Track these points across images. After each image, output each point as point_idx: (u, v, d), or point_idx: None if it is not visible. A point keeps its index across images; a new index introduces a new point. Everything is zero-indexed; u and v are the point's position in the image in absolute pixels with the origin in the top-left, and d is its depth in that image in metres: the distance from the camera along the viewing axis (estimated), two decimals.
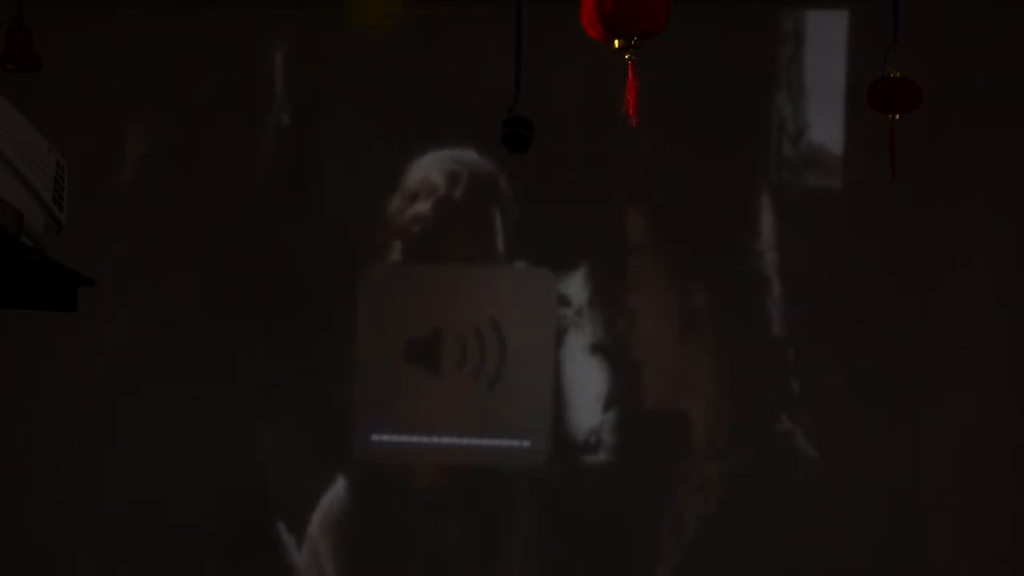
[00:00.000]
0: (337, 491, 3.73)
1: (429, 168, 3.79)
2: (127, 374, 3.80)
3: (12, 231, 2.23)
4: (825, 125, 3.79)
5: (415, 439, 3.73)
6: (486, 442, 3.71)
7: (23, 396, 3.78)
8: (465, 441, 3.73)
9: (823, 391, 3.72)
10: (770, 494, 3.70)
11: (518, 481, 3.71)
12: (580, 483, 3.73)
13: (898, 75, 2.66)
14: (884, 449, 3.68)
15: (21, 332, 3.63)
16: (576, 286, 3.76)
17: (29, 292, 2.53)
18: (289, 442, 3.76)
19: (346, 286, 3.80)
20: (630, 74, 2.02)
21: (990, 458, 3.67)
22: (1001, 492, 3.67)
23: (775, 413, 3.71)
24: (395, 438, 3.73)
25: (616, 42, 2.02)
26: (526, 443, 3.69)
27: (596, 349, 3.75)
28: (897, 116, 2.63)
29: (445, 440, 3.73)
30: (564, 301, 3.76)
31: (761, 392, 3.72)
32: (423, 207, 3.77)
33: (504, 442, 3.70)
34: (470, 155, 3.80)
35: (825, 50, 3.79)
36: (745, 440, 3.71)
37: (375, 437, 3.74)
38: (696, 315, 3.73)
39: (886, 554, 3.67)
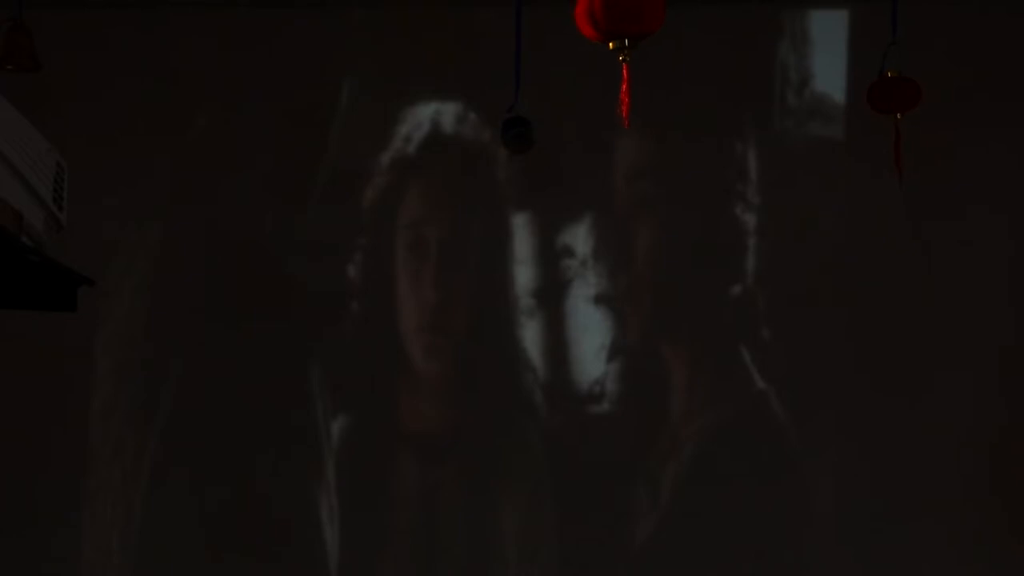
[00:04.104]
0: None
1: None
2: (127, 374, 3.80)
3: (12, 231, 2.23)
4: (826, 124, 3.79)
5: None
6: None
7: (23, 396, 3.78)
8: None
9: (808, 353, 3.74)
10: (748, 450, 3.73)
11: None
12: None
13: (897, 75, 2.66)
14: (872, 431, 3.70)
15: (21, 332, 3.63)
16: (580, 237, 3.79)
17: (29, 292, 2.53)
18: (289, 439, 3.77)
19: (345, 288, 3.81)
20: (624, 75, 2.02)
21: (968, 442, 3.68)
22: (976, 473, 3.68)
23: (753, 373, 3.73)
24: None
25: (610, 44, 2.02)
26: None
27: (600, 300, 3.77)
28: (900, 116, 2.63)
29: None
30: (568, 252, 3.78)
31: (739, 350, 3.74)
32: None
33: None
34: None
35: (825, 50, 3.79)
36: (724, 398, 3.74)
37: None
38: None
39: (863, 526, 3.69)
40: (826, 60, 3.79)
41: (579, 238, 3.80)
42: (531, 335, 3.79)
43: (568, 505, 3.74)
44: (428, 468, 3.78)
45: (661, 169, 3.80)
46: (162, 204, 3.83)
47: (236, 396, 3.77)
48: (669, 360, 3.77)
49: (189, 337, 3.80)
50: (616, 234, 3.80)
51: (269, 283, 3.81)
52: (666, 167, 3.80)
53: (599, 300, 3.79)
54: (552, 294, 3.80)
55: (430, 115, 3.83)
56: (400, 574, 3.78)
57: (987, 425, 3.69)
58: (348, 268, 3.82)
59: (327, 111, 3.84)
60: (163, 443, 3.78)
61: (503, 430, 3.77)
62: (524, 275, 3.80)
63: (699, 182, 3.78)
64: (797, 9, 3.83)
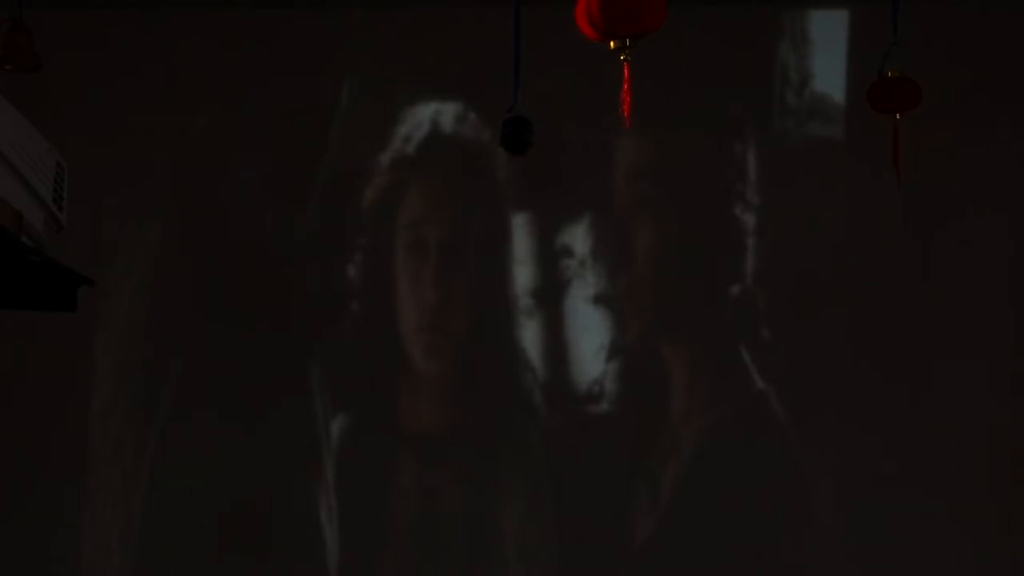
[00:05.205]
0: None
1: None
2: (127, 374, 3.80)
3: (12, 231, 2.23)
4: (826, 124, 3.79)
5: None
6: None
7: (23, 396, 3.78)
8: None
9: (808, 353, 3.74)
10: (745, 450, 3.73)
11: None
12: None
13: (898, 75, 2.66)
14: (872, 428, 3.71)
15: (21, 332, 3.63)
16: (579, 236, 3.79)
17: (29, 292, 2.53)
18: (289, 439, 3.76)
19: (345, 288, 3.81)
20: (625, 75, 2.02)
21: (969, 442, 3.68)
22: (976, 473, 3.68)
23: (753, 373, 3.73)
24: None
25: (611, 43, 2.02)
26: None
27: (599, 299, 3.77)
28: (899, 116, 2.63)
29: None
30: (567, 252, 3.79)
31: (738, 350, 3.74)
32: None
33: None
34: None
35: (825, 50, 3.79)
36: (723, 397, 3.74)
37: None
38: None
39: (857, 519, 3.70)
40: (826, 60, 3.79)
41: (578, 238, 3.81)
42: (530, 335, 3.79)
43: (568, 505, 3.74)
44: (428, 468, 3.78)
45: (661, 169, 3.80)
46: (162, 204, 3.83)
47: (236, 396, 3.77)
48: (669, 360, 3.77)
49: (189, 337, 3.79)
50: (616, 234, 3.80)
51: (269, 283, 3.81)
52: (666, 167, 3.80)
53: (598, 300, 3.79)
54: (551, 294, 3.80)
55: (430, 115, 3.83)
56: (400, 574, 3.78)
57: (987, 425, 3.69)
58: (348, 268, 3.82)
59: (327, 111, 3.84)
60: (163, 443, 3.78)
61: (503, 430, 3.77)
62: (523, 275, 3.80)
63: (699, 182, 3.78)
64: (797, 9, 3.83)
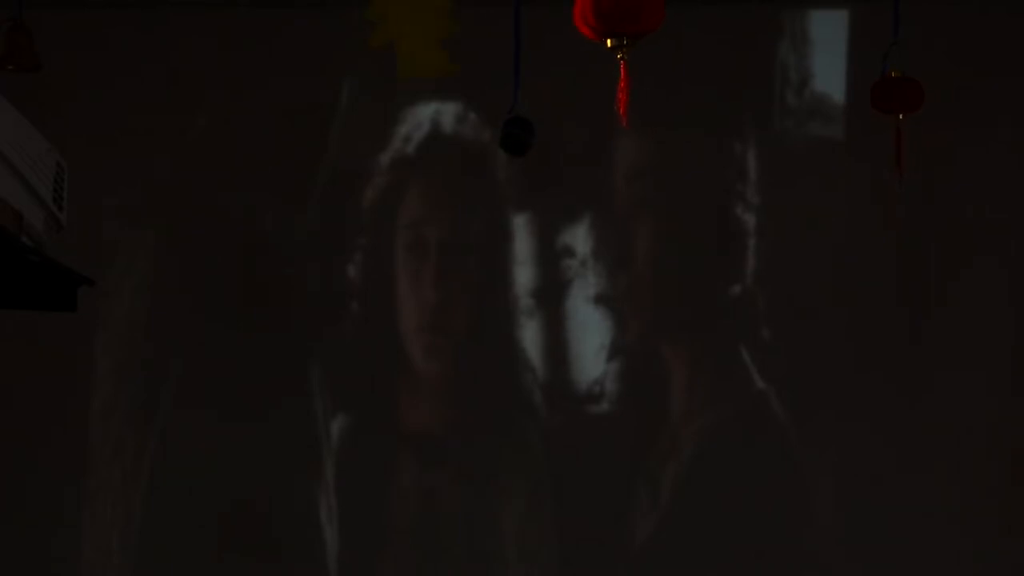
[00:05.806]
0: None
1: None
2: (127, 374, 3.80)
3: (12, 231, 2.23)
4: (826, 124, 3.79)
5: None
6: None
7: (23, 396, 3.78)
8: None
9: (808, 353, 3.74)
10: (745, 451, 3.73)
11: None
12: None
13: (900, 75, 2.66)
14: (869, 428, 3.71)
15: (21, 332, 3.62)
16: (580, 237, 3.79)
17: (29, 292, 2.53)
18: (289, 439, 3.76)
19: (345, 288, 3.81)
20: (622, 74, 2.02)
21: (969, 442, 3.68)
22: (976, 473, 3.68)
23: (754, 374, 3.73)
24: None
25: (608, 42, 2.02)
26: None
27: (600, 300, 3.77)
28: (902, 116, 2.63)
29: None
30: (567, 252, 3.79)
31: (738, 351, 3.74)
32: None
33: None
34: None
35: (825, 50, 3.79)
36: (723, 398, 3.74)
37: None
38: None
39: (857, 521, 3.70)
40: (826, 60, 3.80)
41: (579, 238, 3.81)
42: (531, 335, 3.79)
43: (568, 505, 3.74)
44: (428, 468, 3.78)
45: (661, 169, 3.81)
46: (162, 204, 3.83)
47: (236, 396, 3.77)
48: (669, 360, 3.77)
49: (189, 337, 3.80)
50: (616, 234, 3.80)
51: (269, 283, 3.81)
52: (666, 167, 3.80)
53: (599, 300, 3.79)
54: (552, 294, 3.80)
55: (430, 115, 3.83)
56: (400, 574, 3.78)
57: (987, 425, 3.69)
58: (348, 268, 3.82)
59: (327, 111, 3.84)
60: (163, 443, 3.78)
61: (503, 430, 3.77)
62: (524, 275, 3.80)
63: (699, 182, 3.78)
64: (797, 9, 3.83)
